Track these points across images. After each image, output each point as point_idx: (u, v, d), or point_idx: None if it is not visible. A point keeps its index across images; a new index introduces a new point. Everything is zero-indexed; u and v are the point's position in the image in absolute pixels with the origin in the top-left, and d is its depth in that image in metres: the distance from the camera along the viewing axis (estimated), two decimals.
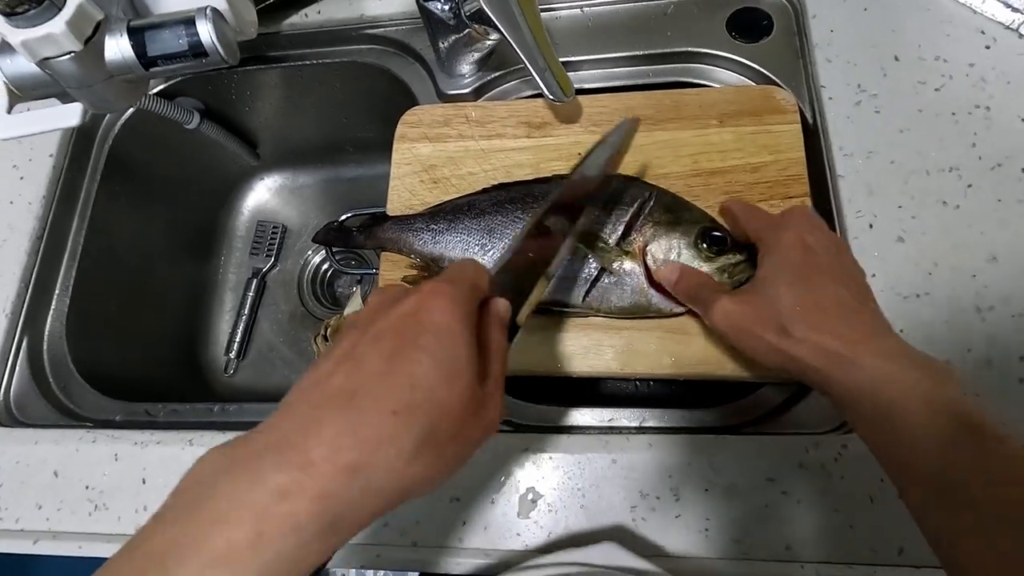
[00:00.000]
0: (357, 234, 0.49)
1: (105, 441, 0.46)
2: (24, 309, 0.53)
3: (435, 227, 0.45)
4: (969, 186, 0.41)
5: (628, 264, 0.41)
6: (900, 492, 0.28)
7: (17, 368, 0.52)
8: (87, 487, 0.45)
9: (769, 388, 0.42)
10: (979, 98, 0.43)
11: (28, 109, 0.32)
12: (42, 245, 0.55)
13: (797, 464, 0.37)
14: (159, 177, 0.67)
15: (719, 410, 0.42)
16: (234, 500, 0.19)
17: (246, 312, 0.72)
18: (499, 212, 0.44)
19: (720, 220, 0.42)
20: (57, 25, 0.27)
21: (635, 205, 0.41)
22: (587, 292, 0.41)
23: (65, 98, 0.32)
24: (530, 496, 0.39)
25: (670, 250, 0.40)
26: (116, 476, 0.45)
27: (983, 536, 0.24)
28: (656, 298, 0.40)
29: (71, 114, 0.31)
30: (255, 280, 0.74)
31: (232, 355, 0.71)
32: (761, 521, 0.37)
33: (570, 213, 0.35)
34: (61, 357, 0.53)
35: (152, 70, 0.31)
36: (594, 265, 0.41)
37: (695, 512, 0.37)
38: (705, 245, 0.39)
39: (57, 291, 0.55)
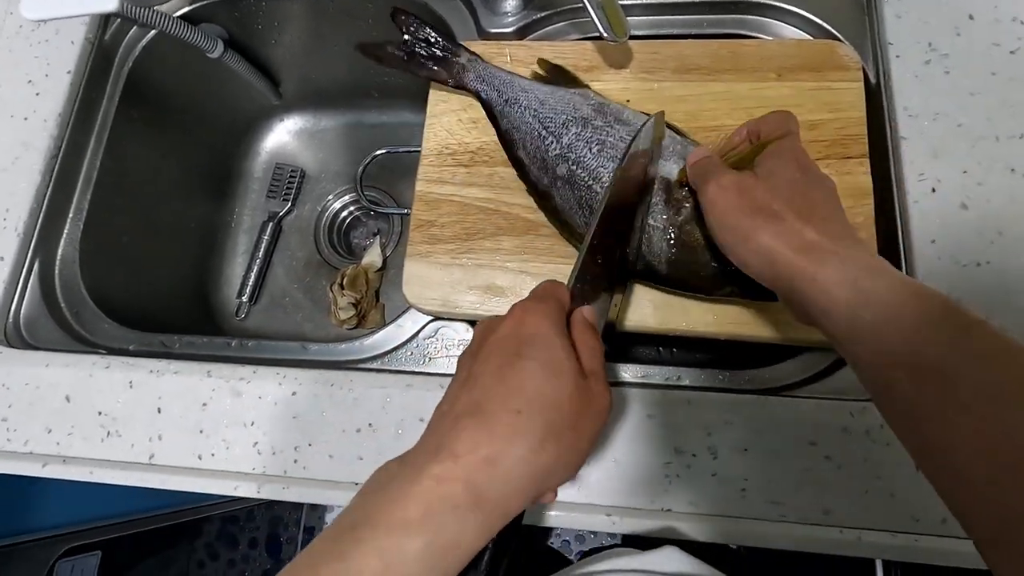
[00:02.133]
0: (426, 59, 0.46)
1: (120, 368, 0.44)
2: (36, 230, 0.51)
3: (505, 97, 0.44)
4: None
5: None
6: (869, 381, 0.27)
7: (28, 290, 0.50)
8: (100, 413, 0.43)
9: (813, 353, 0.41)
10: None
11: None
12: (57, 165, 0.52)
13: (841, 429, 0.36)
14: (178, 107, 0.64)
15: (760, 371, 0.41)
16: (406, 487, 0.24)
17: (260, 256, 0.70)
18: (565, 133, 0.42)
19: None
20: None
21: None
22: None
23: None
24: None
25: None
26: (130, 403, 0.43)
27: (967, 413, 0.23)
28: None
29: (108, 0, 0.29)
30: (271, 224, 0.72)
31: (244, 299, 0.69)
32: (801, 484, 0.36)
33: (622, 219, 0.36)
34: (74, 282, 0.51)
35: None
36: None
37: (732, 472, 0.36)
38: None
39: (71, 215, 0.53)
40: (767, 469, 0.36)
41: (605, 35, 0.42)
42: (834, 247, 0.28)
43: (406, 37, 0.47)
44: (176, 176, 0.66)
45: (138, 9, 0.50)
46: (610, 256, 0.35)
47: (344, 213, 0.74)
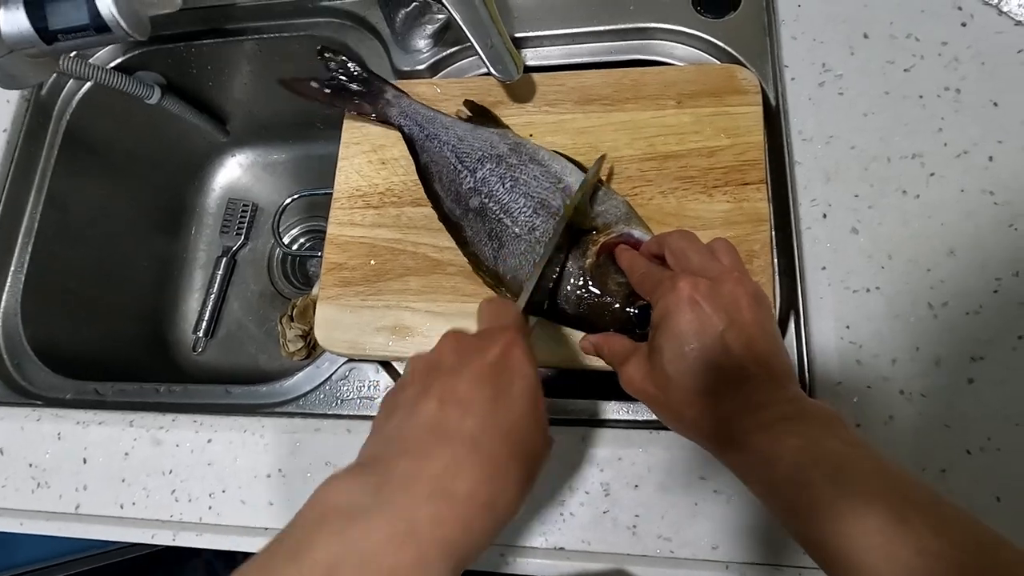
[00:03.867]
0: (351, 94, 0.48)
1: (49, 420, 0.46)
2: None
3: (426, 132, 0.46)
4: (932, 174, 0.39)
5: None
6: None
7: None
8: (30, 464, 0.45)
9: None
10: (950, 80, 0.40)
11: None
12: None
13: None
14: (123, 153, 0.66)
15: None
16: (395, 523, 0.21)
17: (215, 291, 0.72)
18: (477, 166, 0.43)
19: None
20: None
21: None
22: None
23: None
24: None
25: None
26: (59, 455, 0.45)
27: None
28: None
29: None
30: (224, 258, 0.73)
31: (200, 333, 0.71)
32: (691, 519, 0.36)
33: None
34: (15, 334, 0.53)
35: (55, 45, 0.30)
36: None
37: (624, 508, 0.37)
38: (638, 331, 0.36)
39: (12, 268, 0.55)
40: (658, 505, 0.36)
41: (497, 75, 0.43)
42: (737, 433, 0.28)
43: (332, 73, 0.48)
44: (127, 218, 0.68)
45: (72, 63, 0.51)
46: (544, 285, 0.36)
47: (296, 245, 0.75)
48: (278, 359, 0.70)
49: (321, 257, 0.67)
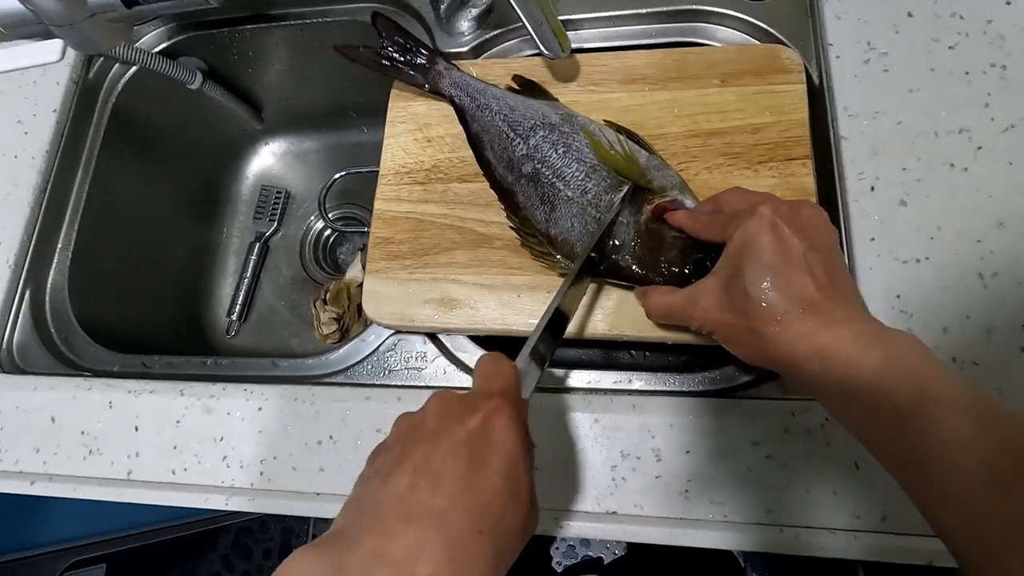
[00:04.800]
0: (403, 64, 0.48)
1: (101, 389, 0.47)
2: (27, 261, 0.54)
3: (477, 102, 0.46)
4: (979, 148, 0.39)
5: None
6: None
7: (20, 318, 0.53)
8: (82, 432, 0.46)
9: None
10: (995, 57, 0.41)
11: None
12: (45, 199, 0.55)
13: (782, 429, 0.37)
14: (163, 137, 0.67)
15: (705, 375, 0.41)
16: None
17: (248, 275, 0.73)
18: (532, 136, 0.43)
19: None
20: None
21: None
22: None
23: (50, 37, 0.32)
24: None
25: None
26: (110, 423, 0.46)
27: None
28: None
29: (50, 50, 0.31)
30: (258, 244, 0.74)
31: (234, 317, 0.72)
32: (743, 484, 0.36)
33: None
34: (63, 309, 0.54)
35: (134, 8, 0.31)
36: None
37: (676, 473, 0.37)
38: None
39: (59, 245, 0.56)
40: (710, 470, 0.37)
41: (546, 52, 0.43)
42: (818, 331, 0.28)
43: (384, 42, 0.49)
44: (165, 202, 0.69)
45: (119, 47, 0.53)
46: (558, 333, 0.36)
47: (328, 231, 0.76)
48: (310, 342, 0.70)
49: (364, 233, 0.68)
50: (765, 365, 0.31)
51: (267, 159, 0.78)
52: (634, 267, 0.38)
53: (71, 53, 0.37)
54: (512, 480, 0.25)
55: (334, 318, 0.68)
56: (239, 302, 0.72)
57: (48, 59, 0.30)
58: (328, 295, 0.69)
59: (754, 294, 0.30)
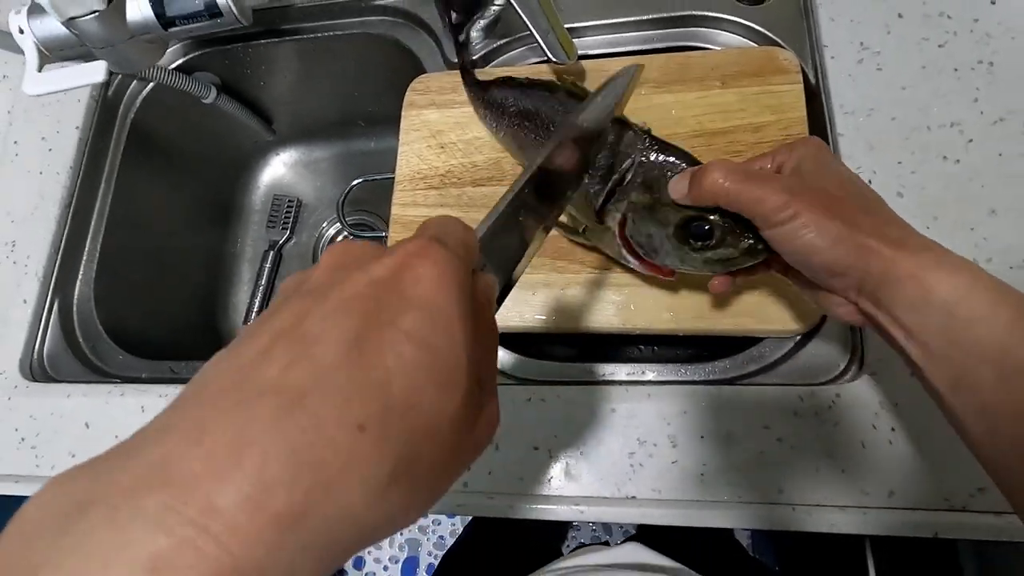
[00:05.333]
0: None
1: (132, 394, 0.48)
2: (55, 273, 0.56)
3: (490, 117, 0.47)
4: (970, 141, 0.41)
5: (609, 232, 0.38)
6: (945, 378, 0.27)
7: (50, 328, 0.55)
8: (116, 437, 0.47)
9: (767, 342, 0.43)
10: (983, 53, 0.43)
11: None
12: (70, 213, 0.57)
13: (792, 412, 0.38)
14: (179, 150, 0.69)
15: (715, 364, 0.43)
16: (108, 544, 0.12)
17: (263, 283, 0.75)
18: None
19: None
20: None
21: (617, 173, 0.36)
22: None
23: (90, 59, 0.34)
24: (533, 444, 0.41)
25: (649, 237, 0.35)
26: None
27: None
28: (634, 263, 0.38)
29: (96, 71, 0.33)
30: (271, 252, 0.76)
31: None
32: (756, 466, 0.38)
33: (569, 165, 0.30)
34: (90, 319, 0.56)
35: (171, 30, 0.33)
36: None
37: (692, 458, 0.39)
38: (690, 241, 0.33)
39: (85, 257, 0.58)
40: (724, 454, 0.38)
41: (554, 59, 0.45)
42: (923, 241, 0.27)
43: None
44: (182, 213, 0.71)
45: None
46: (540, 205, 0.27)
47: (339, 237, 0.78)
48: None
49: (378, 238, 0.69)
50: (841, 262, 0.28)
51: (278, 169, 0.80)
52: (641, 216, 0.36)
53: (79, 97, 0.39)
54: (435, 348, 0.16)
55: None
56: (254, 310, 0.74)
57: (95, 79, 0.32)
58: None
59: (858, 187, 0.29)
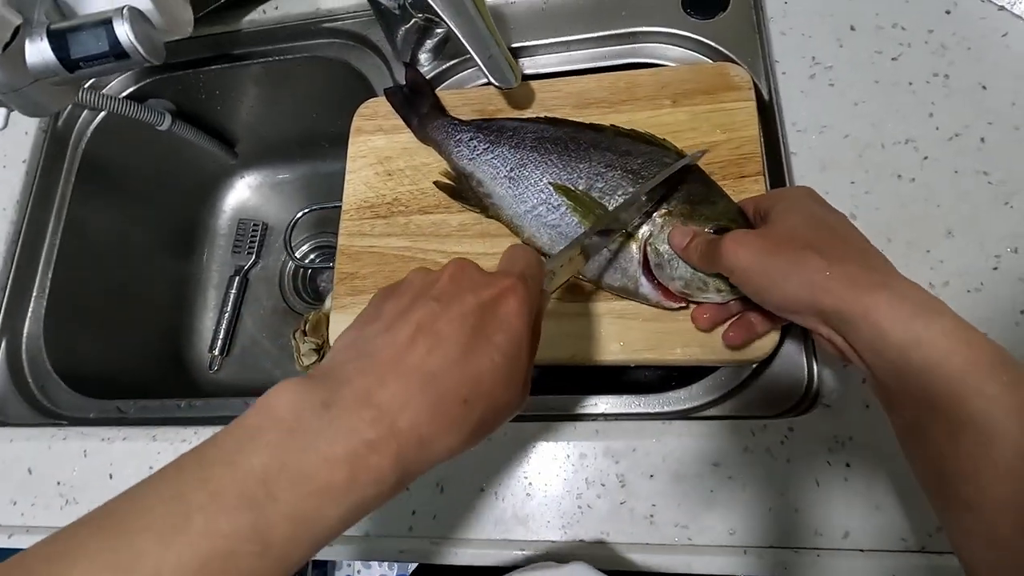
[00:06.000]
0: (413, 115, 0.48)
1: (75, 438, 0.47)
2: (2, 312, 0.55)
3: (475, 144, 0.45)
4: (925, 158, 0.40)
5: (631, 246, 0.39)
6: (903, 425, 0.27)
7: None
8: (58, 483, 0.46)
9: (722, 371, 0.41)
10: (938, 66, 0.41)
11: None
12: (17, 249, 0.56)
13: (742, 448, 0.37)
14: (136, 178, 0.68)
15: (668, 395, 0.41)
16: (335, 443, 0.21)
17: (229, 309, 0.74)
18: (537, 149, 0.43)
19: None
20: None
21: (660, 190, 0.38)
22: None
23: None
24: (480, 485, 0.40)
25: (668, 255, 0.37)
26: (85, 472, 0.46)
27: (1000, 471, 0.23)
28: (645, 287, 0.39)
29: None
30: (237, 277, 0.75)
31: (216, 352, 0.72)
32: (706, 506, 0.36)
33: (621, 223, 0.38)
34: (39, 358, 0.55)
35: (77, 72, 0.32)
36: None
37: (640, 498, 0.37)
38: None
39: (35, 293, 0.57)
40: (673, 493, 0.37)
41: (494, 83, 0.44)
42: (882, 279, 0.27)
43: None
44: (142, 242, 0.70)
45: (87, 94, 0.54)
46: (598, 245, 0.36)
47: (307, 260, 0.77)
48: (292, 373, 0.71)
49: (333, 269, 0.68)
50: (793, 301, 0.29)
51: (243, 192, 0.79)
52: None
53: (16, 117, 0.39)
54: (511, 360, 0.25)
55: (314, 348, 0.68)
56: (220, 336, 0.72)
57: None
58: (308, 326, 0.70)
59: (798, 229, 0.30)
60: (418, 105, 0.49)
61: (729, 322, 0.37)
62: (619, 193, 0.40)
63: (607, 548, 0.36)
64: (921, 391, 0.25)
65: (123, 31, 0.30)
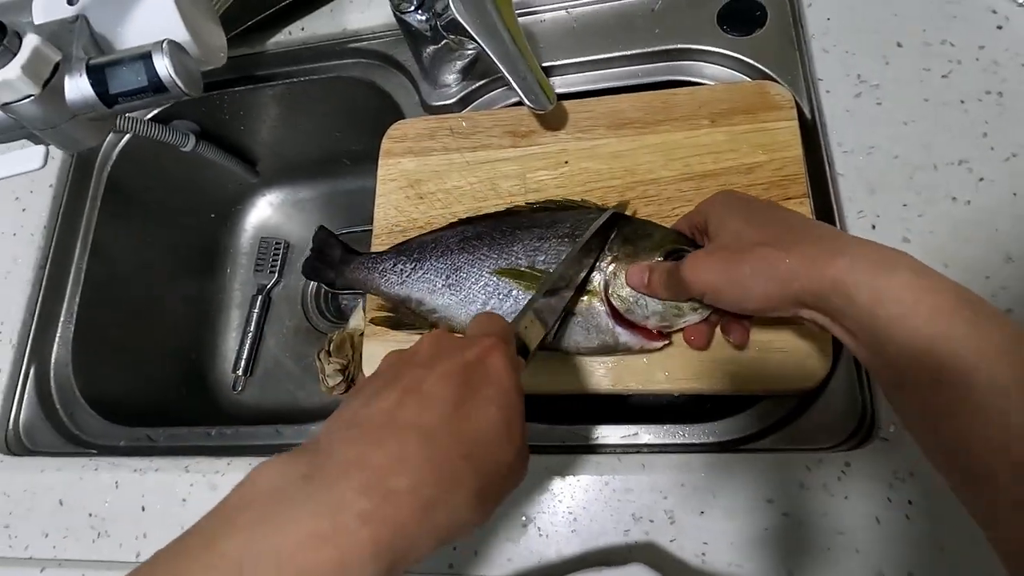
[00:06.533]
0: (328, 270, 0.48)
1: (106, 468, 0.47)
2: (30, 339, 0.54)
3: (401, 267, 0.44)
4: (981, 180, 0.38)
5: (593, 303, 0.39)
6: (886, 382, 0.27)
7: (26, 397, 0.53)
8: (90, 515, 0.45)
9: (770, 401, 0.40)
10: (991, 83, 0.40)
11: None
12: (45, 274, 0.56)
13: (798, 484, 0.35)
14: (160, 200, 0.68)
15: (715, 425, 0.40)
16: (319, 519, 0.19)
17: (252, 329, 0.73)
18: (465, 249, 0.42)
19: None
20: (12, 71, 0.27)
21: (596, 243, 0.39)
22: (554, 334, 0.39)
23: (36, 139, 0.32)
24: (522, 520, 0.38)
25: (632, 292, 0.37)
26: (117, 504, 0.45)
27: (981, 411, 0.23)
28: (624, 336, 0.38)
29: (33, 158, 0.31)
30: (260, 297, 0.74)
31: (240, 372, 0.71)
32: (760, 545, 0.35)
33: (566, 281, 0.37)
34: (67, 384, 0.54)
35: (115, 107, 0.31)
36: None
37: (691, 536, 0.36)
38: None
39: (62, 319, 0.56)
40: (725, 531, 0.35)
41: (529, 105, 0.43)
42: (837, 247, 0.27)
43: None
44: (166, 263, 0.69)
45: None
46: (554, 306, 0.36)
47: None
48: (316, 394, 0.70)
49: (362, 294, 0.67)
50: (767, 300, 0.29)
51: (265, 210, 0.79)
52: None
53: (53, 155, 0.38)
54: (505, 411, 0.24)
55: (339, 369, 0.67)
56: (244, 357, 0.72)
57: (32, 167, 0.30)
58: (332, 346, 0.69)
59: (745, 234, 0.31)
60: (330, 259, 0.48)
61: (732, 332, 0.37)
62: (563, 257, 0.40)
63: None
64: (897, 349, 0.24)
65: (163, 65, 0.30)
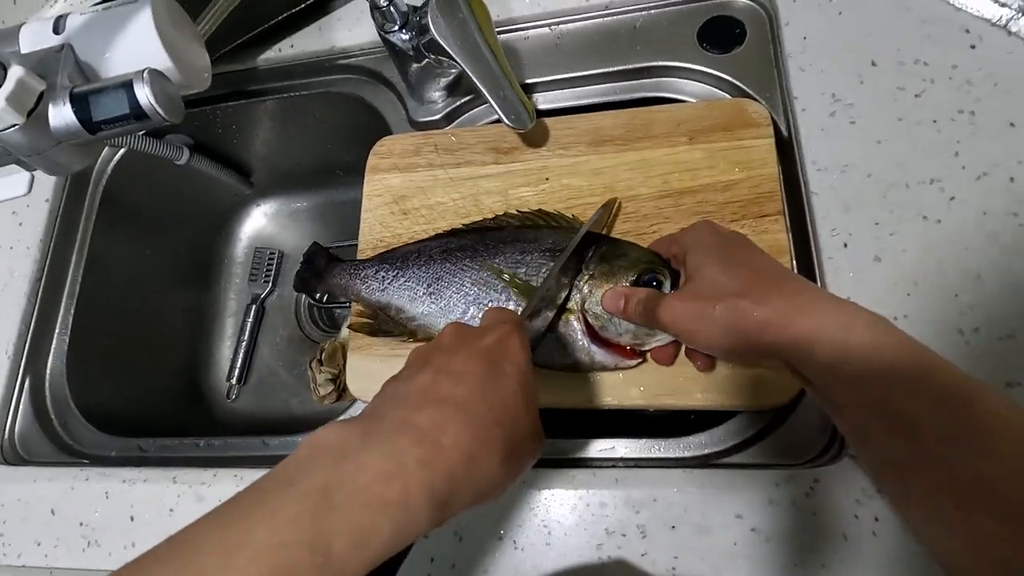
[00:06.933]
0: (313, 279, 0.49)
1: (97, 479, 0.48)
2: (26, 350, 0.55)
3: (383, 274, 0.45)
4: (952, 198, 0.39)
5: (570, 320, 0.40)
6: (849, 432, 0.29)
7: (21, 408, 0.54)
8: (81, 524, 0.47)
9: (743, 417, 0.41)
10: (964, 103, 0.40)
11: None
12: (41, 287, 0.57)
13: (767, 500, 0.36)
14: (155, 212, 0.69)
15: (690, 440, 0.41)
16: (384, 461, 0.22)
17: (246, 338, 0.74)
18: (447, 259, 0.43)
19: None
20: None
21: (573, 262, 0.40)
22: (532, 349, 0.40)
23: (23, 164, 0.33)
24: (499, 533, 0.39)
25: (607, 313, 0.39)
26: (107, 513, 0.46)
27: (930, 459, 0.24)
28: (599, 355, 0.39)
29: (17, 185, 0.32)
30: (254, 306, 0.75)
31: (233, 381, 0.73)
32: (729, 560, 0.35)
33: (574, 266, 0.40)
34: (62, 395, 0.56)
35: (99, 134, 0.32)
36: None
37: (662, 550, 0.36)
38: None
39: (57, 330, 0.58)
40: (696, 546, 0.36)
41: (508, 124, 0.44)
42: (802, 304, 0.29)
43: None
44: (161, 274, 0.70)
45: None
46: (538, 328, 0.37)
47: (325, 297, 0.77)
48: (309, 403, 0.71)
49: (349, 305, 0.68)
50: (733, 350, 0.32)
51: (259, 221, 0.80)
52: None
53: (39, 181, 0.39)
54: (524, 387, 0.27)
55: (330, 379, 0.68)
56: (238, 365, 0.73)
57: (16, 193, 0.31)
58: (324, 355, 0.70)
59: (719, 279, 0.32)
60: (316, 267, 0.50)
61: (697, 359, 0.38)
62: (544, 272, 0.41)
63: None
64: (856, 397, 0.27)
65: (143, 94, 0.31)
